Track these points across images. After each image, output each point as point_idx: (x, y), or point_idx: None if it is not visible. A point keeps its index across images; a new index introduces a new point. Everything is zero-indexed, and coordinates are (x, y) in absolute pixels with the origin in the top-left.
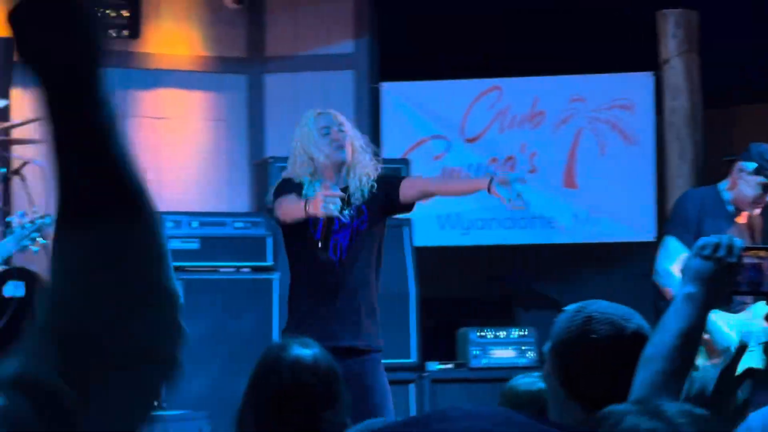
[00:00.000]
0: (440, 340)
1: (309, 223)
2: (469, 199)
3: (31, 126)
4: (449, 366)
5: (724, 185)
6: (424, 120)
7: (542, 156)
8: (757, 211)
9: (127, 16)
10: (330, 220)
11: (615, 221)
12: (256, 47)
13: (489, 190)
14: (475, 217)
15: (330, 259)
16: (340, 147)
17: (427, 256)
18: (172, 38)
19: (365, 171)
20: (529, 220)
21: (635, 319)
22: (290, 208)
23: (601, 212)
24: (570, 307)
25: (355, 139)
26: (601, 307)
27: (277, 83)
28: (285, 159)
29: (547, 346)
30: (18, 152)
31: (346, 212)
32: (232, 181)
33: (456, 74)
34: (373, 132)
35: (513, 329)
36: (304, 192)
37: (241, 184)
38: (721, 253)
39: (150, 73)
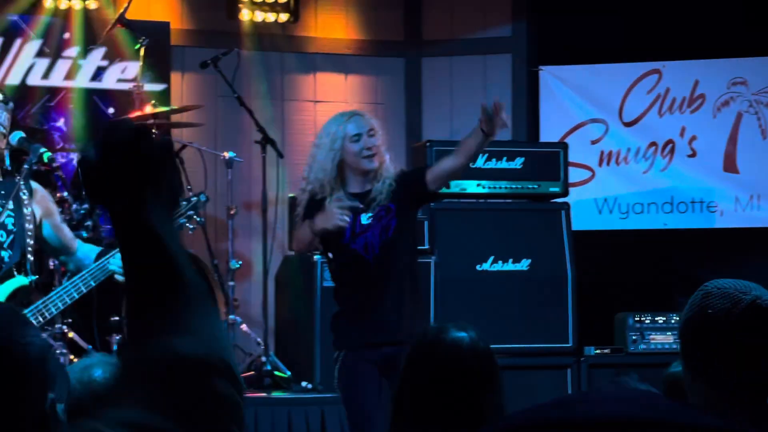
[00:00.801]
0: (597, 325)
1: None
2: (628, 182)
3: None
4: (606, 351)
5: None
6: (583, 104)
7: (702, 140)
8: None
9: (286, 1)
10: (356, 227)
11: None
12: (413, 30)
13: (482, 127)
14: (633, 202)
15: (363, 257)
16: (371, 156)
17: (584, 239)
18: (330, 22)
19: (388, 173)
20: (689, 204)
21: (755, 291)
22: (299, 239)
23: (764, 197)
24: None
25: (381, 141)
26: (721, 282)
27: (434, 66)
28: (442, 143)
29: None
30: (176, 135)
31: (368, 215)
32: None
33: (615, 58)
34: (531, 116)
35: (672, 314)
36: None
37: (398, 166)
38: None
39: (308, 57)
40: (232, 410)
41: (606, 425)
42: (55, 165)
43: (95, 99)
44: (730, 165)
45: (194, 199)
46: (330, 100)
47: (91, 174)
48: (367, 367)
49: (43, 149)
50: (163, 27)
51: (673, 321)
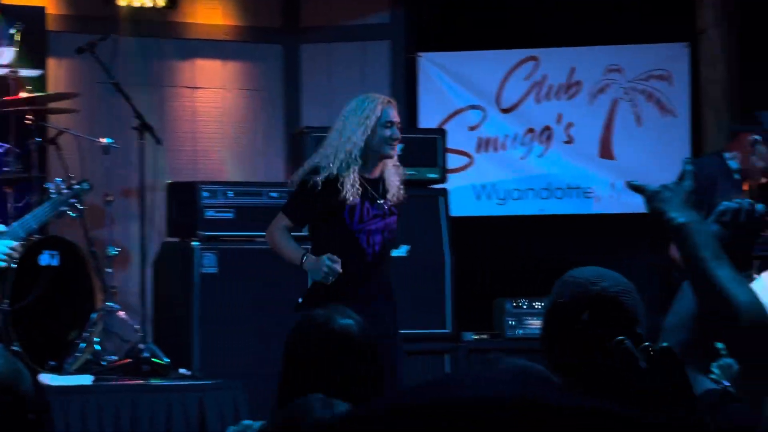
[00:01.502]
0: (476, 311)
1: (345, 212)
2: (505, 169)
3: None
4: (485, 336)
5: (729, 155)
6: (461, 90)
7: (579, 126)
8: (765, 180)
9: None
10: (364, 212)
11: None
12: (291, 17)
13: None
14: (511, 188)
15: (364, 249)
16: (395, 146)
17: (463, 226)
18: (208, 8)
19: (396, 168)
20: (565, 190)
21: (605, 282)
22: (280, 249)
23: (639, 183)
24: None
25: None
26: (578, 271)
27: (312, 53)
28: (321, 129)
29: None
30: (53, 121)
31: (381, 202)
32: (268, 151)
33: (493, 44)
34: (409, 102)
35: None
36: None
37: (276, 154)
38: (743, 217)
39: (186, 43)
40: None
41: (479, 406)
42: None
43: None
44: (605, 151)
45: (77, 187)
46: (208, 86)
47: None
48: None
49: None
50: (38, 12)
51: None
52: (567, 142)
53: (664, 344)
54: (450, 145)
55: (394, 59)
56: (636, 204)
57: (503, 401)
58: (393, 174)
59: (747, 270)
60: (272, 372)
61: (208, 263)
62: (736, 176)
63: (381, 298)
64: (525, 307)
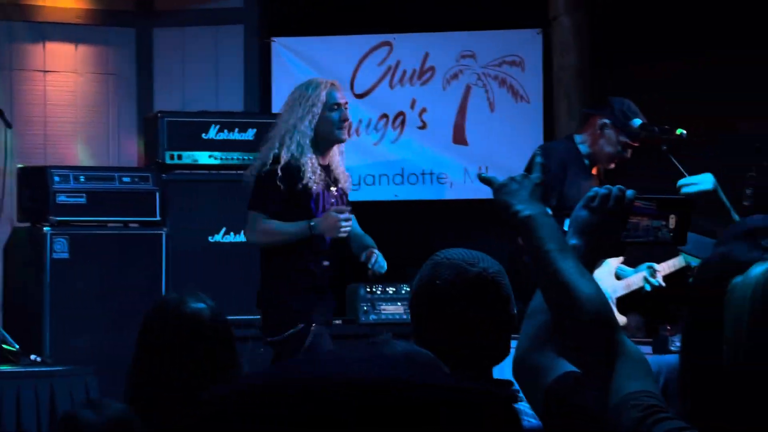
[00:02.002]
0: None
1: (312, 201)
2: (359, 154)
3: None
4: (338, 322)
5: (580, 138)
6: (315, 75)
7: (432, 112)
8: (612, 166)
9: None
10: (325, 200)
11: (503, 177)
12: (144, 1)
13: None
14: (365, 173)
15: (323, 236)
16: (346, 128)
17: None
18: None
19: (342, 155)
20: (419, 176)
21: (482, 263)
22: (280, 235)
23: (492, 168)
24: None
25: None
26: (450, 253)
27: (166, 37)
28: (174, 113)
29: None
30: None
31: (333, 189)
32: (121, 135)
33: (347, 30)
34: (263, 87)
35: (402, 285)
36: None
37: (129, 138)
38: (611, 203)
39: (36, 26)
40: None
41: (333, 386)
42: None
43: None
44: (459, 137)
45: None
46: (60, 69)
47: None
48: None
49: None
50: None
51: (403, 291)
52: (421, 128)
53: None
54: None
55: (247, 44)
56: (490, 190)
57: (350, 379)
58: (340, 160)
59: (617, 256)
60: (124, 357)
61: (60, 248)
62: (586, 161)
63: (329, 287)
64: (379, 292)
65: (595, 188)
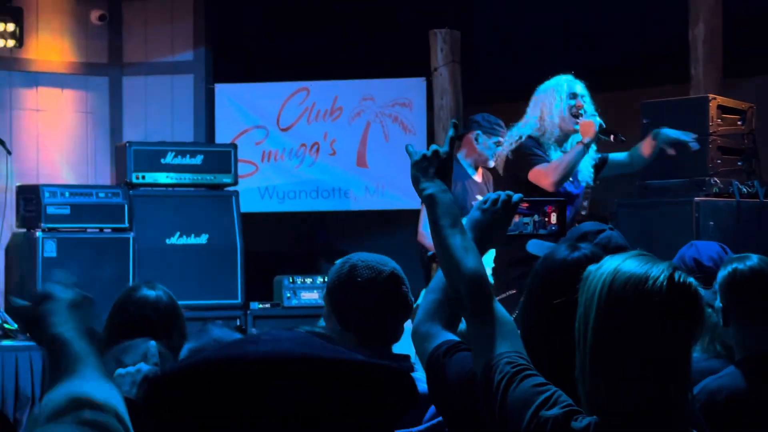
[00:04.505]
0: (260, 286)
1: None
2: (283, 176)
3: None
4: (267, 305)
5: (460, 155)
6: (249, 113)
7: (340, 142)
8: (492, 164)
9: (12, 30)
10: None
11: (396, 193)
12: (115, 55)
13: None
14: (288, 190)
15: None
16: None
17: (251, 219)
18: (49, 47)
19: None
20: (330, 191)
21: (390, 264)
22: (567, 162)
23: (387, 186)
24: (339, 260)
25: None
26: (363, 256)
27: (132, 84)
28: (139, 143)
29: (323, 292)
30: None
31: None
32: (97, 160)
33: (273, 78)
34: (209, 122)
35: (317, 277)
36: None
37: (104, 163)
38: (499, 206)
39: (31, 75)
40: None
41: (271, 360)
42: None
43: None
44: (361, 161)
45: None
46: (49, 109)
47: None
48: None
49: None
50: None
51: (318, 282)
52: (331, 155)
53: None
54: (241, 156)
55: (196, 88)
56: (385, 202)
57: (286, 355)
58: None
59: (504, 246)
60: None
61: (49, 249)
62: (471, 173)
63: None
64: (299, 282)
65: (489, 194)
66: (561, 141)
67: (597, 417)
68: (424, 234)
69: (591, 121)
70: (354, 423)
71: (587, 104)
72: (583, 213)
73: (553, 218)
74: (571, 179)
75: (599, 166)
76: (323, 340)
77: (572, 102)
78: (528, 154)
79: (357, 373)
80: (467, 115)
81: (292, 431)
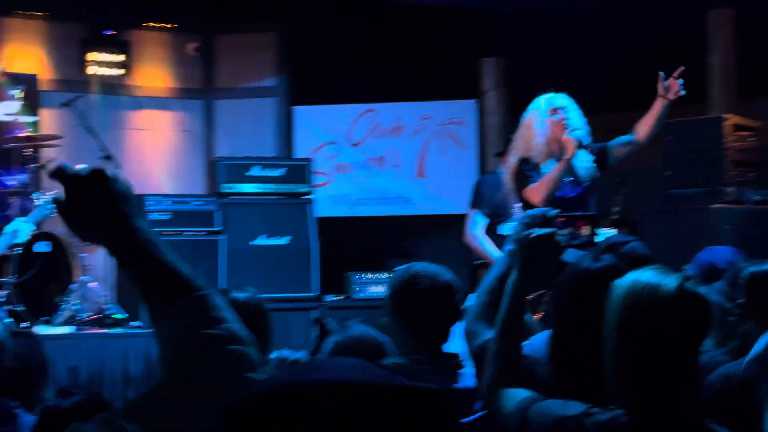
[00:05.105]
0: (334, 280)
1: None
2: (353, 185)
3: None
4: (340, 298)
5: (502, 170)
6: (323, 131)
7: (403, 156)
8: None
9: (121, 60)
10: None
11: (451, 199)
12: (208, 81)
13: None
14: (357, 197)
15: None
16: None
17: (325, 223)
18: (152, 75)
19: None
20: (393, 198)
21: (447, 276)
22: (542, 186)
23: (442, 193)
24: (401, 267)
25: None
26: (422, 266)
27: (223, 106)
28: (228, 158)
29: (386, 293)
30: (45, 153)
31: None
32: (193, 173)
33: (344, 100)
34: (288, 140)
35: (383, 273)
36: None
37: (198, 175)
38: (538, 221)
39: (136, 99)
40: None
41: (335, 387)
42: None
43: None
44: (421, 172)
45: (53, 197)
46: (152, 128)
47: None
48: None
49: None
50: (33, 77)
51: (383, 278)
52: (395, 167)
53: None
54: (315, 168)
55: (278, 110)
56: (439, 207)
57: (351, 382)
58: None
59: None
60: None
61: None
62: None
63: None
64: (367, 277)
65: (530, 211)
66: (555, 154)
67: (623, 411)
68: (471, 235)
69: (571, 138)
70: None
71: (571, 115)
72: (616, 217)
73: (585, 230)
74: (570, 181)
75: (600, 159)
76: (380, 368)
77: (555, 117)
78: (521, 177)
79: (408, 398)
80: (511, 132)
81: None
